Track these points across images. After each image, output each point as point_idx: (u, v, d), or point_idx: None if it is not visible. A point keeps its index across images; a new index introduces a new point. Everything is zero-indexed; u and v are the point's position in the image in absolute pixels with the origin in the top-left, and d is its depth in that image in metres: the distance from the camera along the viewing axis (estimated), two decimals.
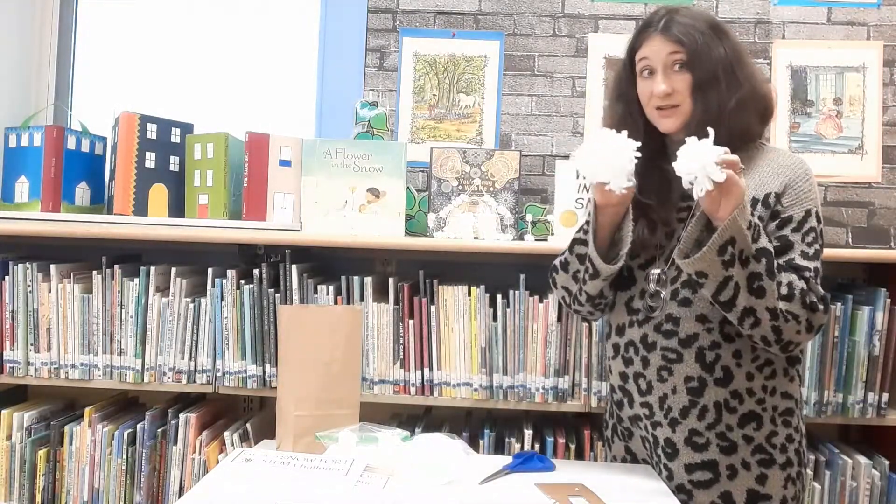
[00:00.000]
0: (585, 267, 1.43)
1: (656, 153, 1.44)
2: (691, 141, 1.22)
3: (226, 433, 1.96)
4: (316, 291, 1.94)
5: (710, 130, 1.22)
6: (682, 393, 1.38)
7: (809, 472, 1.89)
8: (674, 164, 1.24)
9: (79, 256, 2.10)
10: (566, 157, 2.26)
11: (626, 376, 1.47)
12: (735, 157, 1.21)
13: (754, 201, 1.35)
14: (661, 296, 1.40)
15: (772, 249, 1.28)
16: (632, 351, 1.44)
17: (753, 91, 1.39)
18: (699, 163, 1.20)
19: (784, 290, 1.27)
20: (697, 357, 1.37)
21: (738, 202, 1.22)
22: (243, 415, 2.15)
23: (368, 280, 1.94)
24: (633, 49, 1.44)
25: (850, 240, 2.25)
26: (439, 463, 1.38)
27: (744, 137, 1.39)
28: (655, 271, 1.41)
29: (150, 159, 2.12)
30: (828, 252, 1.93)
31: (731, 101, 1.35)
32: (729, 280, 1.25)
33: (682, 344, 1.38)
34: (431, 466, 1.37)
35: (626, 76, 1.46)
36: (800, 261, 1.32)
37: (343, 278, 1.95)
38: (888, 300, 1.86)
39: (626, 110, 1.45)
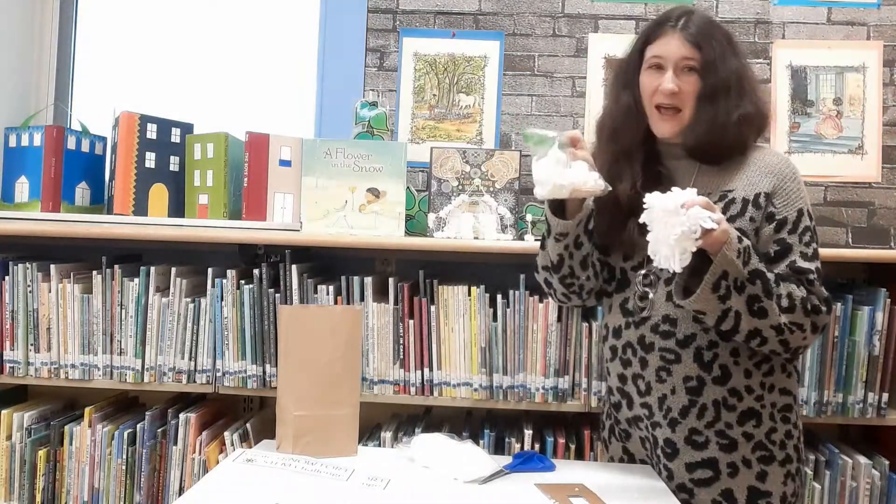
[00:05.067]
0: (547, 227, 1.45)
1: (649, 154, 1.44)
2: (655, 202, 1.20)
3: (226, 433, 1.96)
4: (316, 291, 1.94)
5: (676, 190, 1.20)
6: (681, 393, 1.38)
7: (808, 470, 1.89)
8: (649, 238, 1.22)
9: (79, 256, 2.09)
10: None
11: (624, 378, 1.47)
12: (705, 199, 1.20)
13: (745, 202, 1.36)
14: (649, 297, 1.40)
15: (764, 269, 1.28)
16: (630, 352, 1.45)
17: (756, 108, 1.40)
18: (679, 227, 1.16)
19: (785, 303, 1.28)
20: (696, 357, 1.37)
21: (726, 236, 1.22)
22: (243, 415, 2.15)
23: (368, 280, 1.94)
24: (645, 41, 1.42)
25: (850, 240, 2.25)
26: (440, 464, 1.39)
27: (738, 150, 1.40)
28: (642, 272, 1.41)
29: (150, 159, 2.12)
30: (828, 252, 1.94)
31: (735, 114, 1.36)
32: (728, 311, 1.26)
33: (680, 344, 1.38)
34: (433, 467, 1.37)
35: (633, 67, 1.44)
36: (801, 263, 1.33)
37: (343, 278, 1.95)
38: (888, 300, 1.86)
39: (632, 101, 1.44)
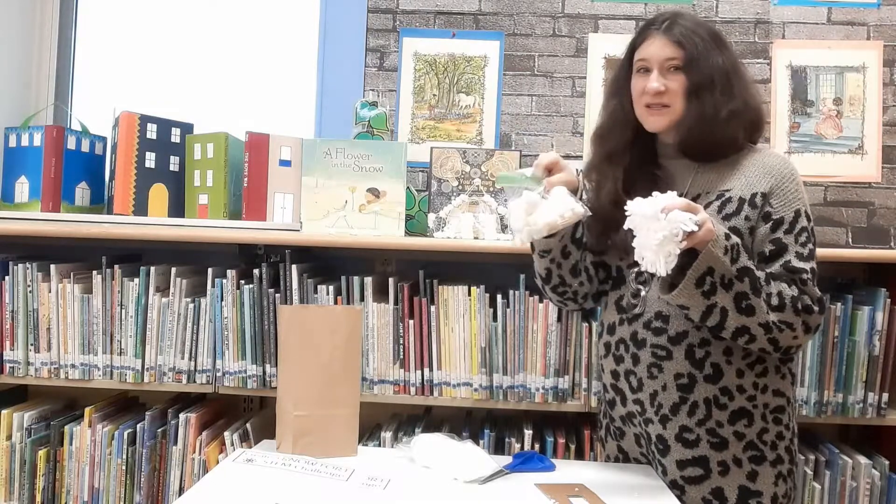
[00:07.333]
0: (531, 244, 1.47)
1: (647, 156, 1.46)
2: (635, 208, 1.20)
3: (226, 433, 1.96)
4: (316, 291, 1.94)
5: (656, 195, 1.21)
6: (672, 390, 1.39)
7: (808, 470, 1.89)
8: (634, 243, 1.22)
9: (79, 256, 2.09)
10: (566, 157, 2.26)
11: (617, 374, 1.48)
12: (685, 201, 1.20)
13: (741, 201, 1.36)
14: (642, 294, 1.42)
15: (753, 267, 1.28)
16: (622, 349, 1.45)
17: (745, 104, 1.40)
18: (660, 231, 1.16)
19: (775, 301, 1.28)
20: (687, 354, 1.38)
21: (712, 235, 1.22)
22: (243, 415, 2.15)
23: (368, 280, 1.94)
24: (633, 47, 1.46)
25: (850, 240, 2.25)
26: (440, 464, 1.39)
27: (730, 147, 1.41)
28: (634, 270, 1.43)
29: (150, 159, 2.12)
30: (828, 252, 1.95)
31: (723, 110, 1.37)
32: (713, 307, 1.26)
33: (672, 341, 1.38)
34: (433, 467, 1.37)
35: (623, 74, 1.48)
36: (796, 263, 1.33)
37: (343, 278, 1.95)
38: (888, 300, 1.86)
39: (619, 106, 1.47)
